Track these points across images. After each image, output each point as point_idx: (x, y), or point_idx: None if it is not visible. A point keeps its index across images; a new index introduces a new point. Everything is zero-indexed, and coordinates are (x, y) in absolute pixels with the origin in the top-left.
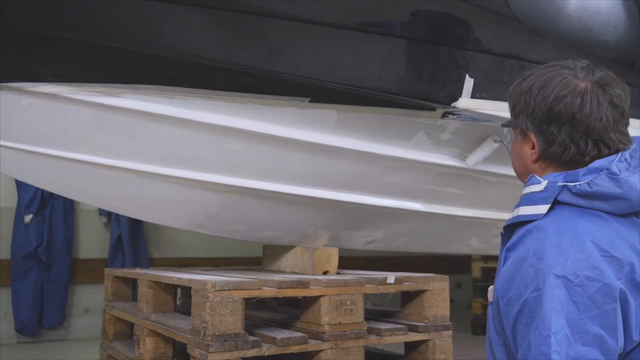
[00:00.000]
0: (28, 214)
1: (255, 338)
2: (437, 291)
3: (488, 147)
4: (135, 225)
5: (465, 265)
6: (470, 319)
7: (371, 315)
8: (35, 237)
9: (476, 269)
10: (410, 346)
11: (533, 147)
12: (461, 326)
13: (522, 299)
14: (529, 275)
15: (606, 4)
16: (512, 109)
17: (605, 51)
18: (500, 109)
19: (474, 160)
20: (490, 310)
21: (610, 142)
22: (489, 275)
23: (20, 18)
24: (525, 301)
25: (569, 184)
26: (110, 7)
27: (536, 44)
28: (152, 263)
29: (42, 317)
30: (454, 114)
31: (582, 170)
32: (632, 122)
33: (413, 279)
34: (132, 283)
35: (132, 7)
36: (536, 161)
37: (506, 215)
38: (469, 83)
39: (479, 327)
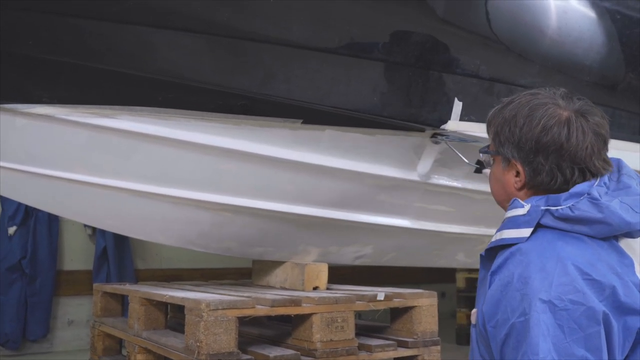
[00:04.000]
0: (12, 225)
1: (249, 356)
2: (426, 307)
3: (431, 152)
4: (121, 237)
5: (449, 275)
6: (454, 329)
7: (361, 330)
8: (19, 249)
9: (460, 279)
10: None
11: (517, 175)
12: (446, 336)
13: (509, 323)
14: (515, 299)
15: (589, 30)
16: (495, 137)
17: (588, 75)
18: None
19: (424, 168)
20: (474, 333)
21: (594, 169)
22: (473, 285)
23: (17, 41)
24: (512, 325)
25: (551, 208)
26: (105, 30)
27: (522, 68)
28: (138, 274)
29: (25, 329)
30: (442, 135)
31: (563, 195)
32: (615, 143)
33: (402, 296)
34: (122, 298)
35: (128, 31)
36: (521, 189)
37: (492, 232)
38: (457, 106)
39: (463, 337)
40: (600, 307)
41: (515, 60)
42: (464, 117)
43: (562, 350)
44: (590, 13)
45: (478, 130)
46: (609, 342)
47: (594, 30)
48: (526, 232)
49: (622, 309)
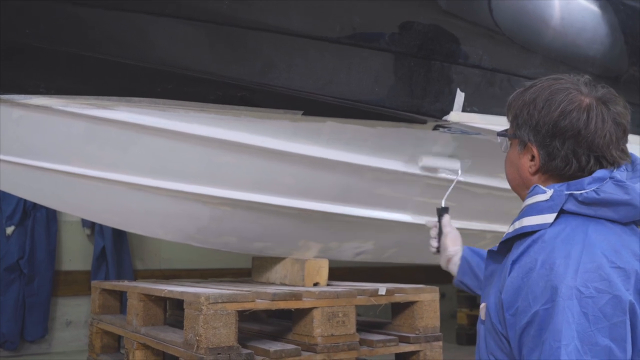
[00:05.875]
0: (10, 225)
1: (249, 351)
2: (428, 302)
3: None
4: (119, 237)
5: (450, 275)
6: (455, 329)
7: (362, 326)
8: (17, 249)
9: None
10: (401, 357)
11: (532, 159)
12: (446, 336)
13: (531, 310)
14: (539, 286)
15: (592, 21)
16: (513, 120)
17: (592, 66)
18: (491, 123)
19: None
20: (481, 329)
21: (611, 159)
22: None
23: (14, 30)
24: (535, 313)
25: (575, 192)
26: (103, 20)
27: (525, 59)
28: (136, 275)
29: (23, 330)
30: (445, 127)
31: (586, 179)
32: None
33: (404, 290)
34: (120, 296)
35: (126, 20)
36: (535, 173)
37: (495, 227)
38: (460, 97)
39: (463, 337)
40: (627, 296)
41: (518, 51)
42: (466, 108)
43: (585, 338)
44: (593, 3)
45: (480, 121)
46: (634, 331)
47: (597, 21)
48: (550, 217)
49: None
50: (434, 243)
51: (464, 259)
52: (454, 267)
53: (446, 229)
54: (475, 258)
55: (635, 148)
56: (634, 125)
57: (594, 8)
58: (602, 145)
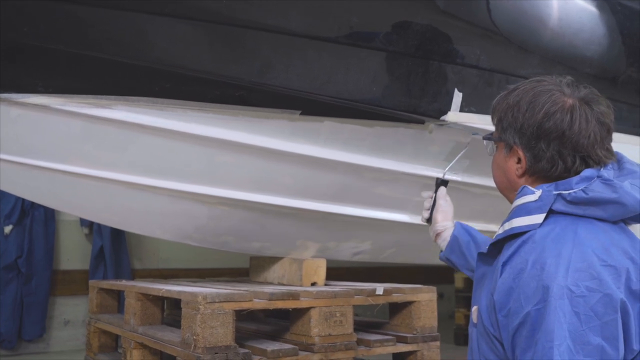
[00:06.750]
0: (8, 224)
1: (246, 350)
2: (425, 302)
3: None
4: (117, 237)
5: (448, 276)
6: (453, 329)
7: (359, 326)
8: (15, 248)
9: (459, 279)
10: (399, 357)
11: (518, 162)
12: (444, 336)
13: (523, 311)
14: (530, 286)
15: (590, 21)
16: (498, 123)
17: (589, 67)
18: (488, 122)
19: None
20: (474, 332)
21: (596, 158)
22: (472, 285)
23: (11, 29)
24: (528, 314)
25: (564, 192)
26: (102, 19)
27: (523, 59)
28: (135, 274)
29: (21, 329)
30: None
31: (574, 179)
32: (616, 136)
33: (402, 290)
34: (118, 295)
35: (124, 19)
36: (522, 175)
37: (492, 227)
38: (457, 97)
39: (461, 338)
40: (618, 294)
41: (516, 51)
42: (464, 108)
43: (578, 338)
44: (591, 4)
45: (478, 121)
46: (626, 330)
47: (594, 22)
48: (539, 218)
49: (636, 295)
50: (425, 214)
51: (454, 237)
52: (442, 242)
53: (439, 202)
54: (466, 237)
55: (635, 149)
56: (633, 125)
57: (592, 9)
58: (587, 145)
